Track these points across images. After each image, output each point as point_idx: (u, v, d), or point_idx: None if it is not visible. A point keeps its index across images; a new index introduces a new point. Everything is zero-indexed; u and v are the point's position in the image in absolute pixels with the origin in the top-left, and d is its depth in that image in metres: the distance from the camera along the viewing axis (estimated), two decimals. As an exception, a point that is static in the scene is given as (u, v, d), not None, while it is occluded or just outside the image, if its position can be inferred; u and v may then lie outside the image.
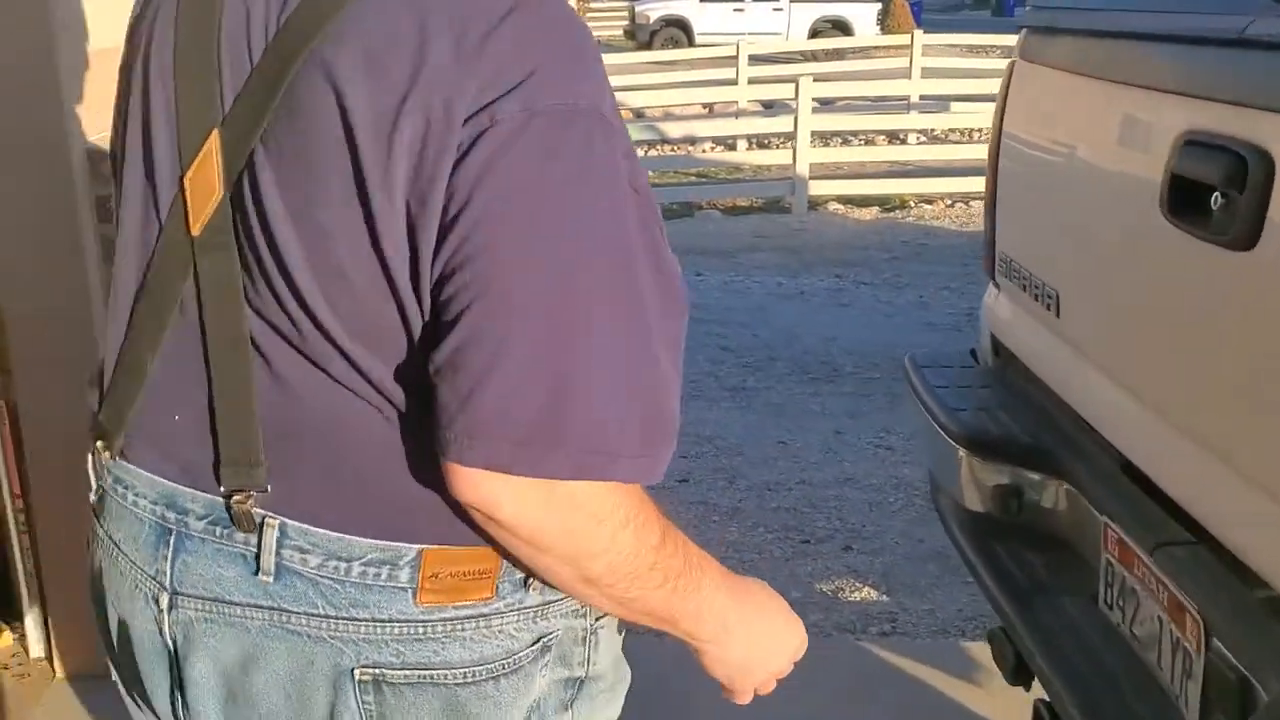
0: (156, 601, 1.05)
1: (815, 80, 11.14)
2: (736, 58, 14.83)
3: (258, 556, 1.01)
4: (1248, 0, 1.46)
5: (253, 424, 1.00)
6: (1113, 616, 1.68)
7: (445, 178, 0.90)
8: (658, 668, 1.48)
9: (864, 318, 6.70)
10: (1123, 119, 1.71)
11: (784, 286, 7.44)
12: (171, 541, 1.04)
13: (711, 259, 8.20)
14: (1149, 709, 1.54)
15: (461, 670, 1.01)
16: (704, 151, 11.95)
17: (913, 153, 11.86)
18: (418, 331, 0.95)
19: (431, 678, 1.01)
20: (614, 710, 1.17)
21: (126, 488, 1.08)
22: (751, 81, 14.37)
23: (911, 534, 3.79)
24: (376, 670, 1.01)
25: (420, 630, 1.00)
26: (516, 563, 1.00)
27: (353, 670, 1.00)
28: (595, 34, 1.12)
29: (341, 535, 0.99)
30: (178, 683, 1.07)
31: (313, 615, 1.00)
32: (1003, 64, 13.34)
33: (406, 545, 0.99)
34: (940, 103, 13.47)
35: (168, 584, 1.04)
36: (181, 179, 1.01)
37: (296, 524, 1.00)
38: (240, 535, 1.01)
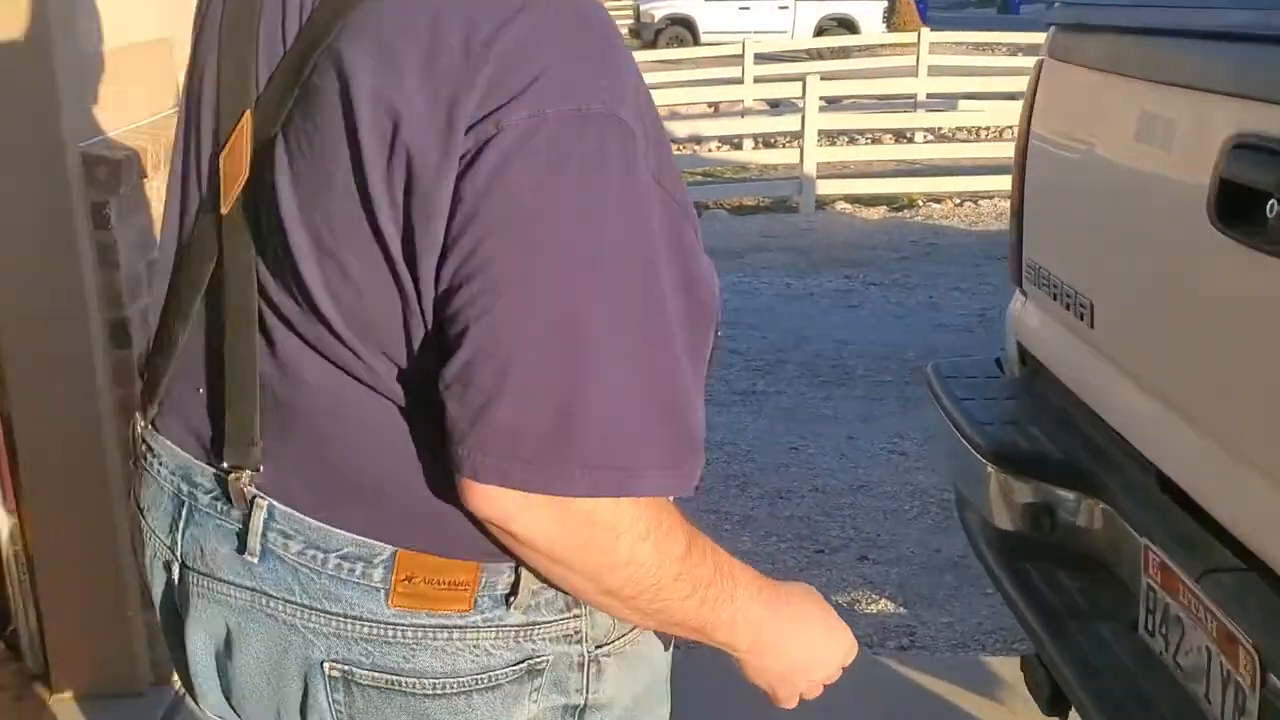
0: (168, 569, 1.09)
1: (822, 79, 11.05)
2: (742, 56, 14.74)
3: (246, 536, 1.01)
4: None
5: (252, 403, 1.00)
6: (1154, 644, 1.60)
7: (449, 182, 0.88)
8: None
9: (874, 319, 6.62)
10: (1165, 121, 1.62)
11: (792, 287, 7.36)
12: (184, 513, 1.06)
13: (719, 259, 7.99)
14: (1196, 744, 1.47)
15: (431, 680, 0.99)
16: (709, 151, 11.86)
17: (920, 151, 11.77)
18: (418, 334, 0.93)
19: (399, 684, 1.00)
20: None
21: (155, 456, 1.10)
22: (757, 80, 14.28)
23: (928, 543, 3.71)
24: (346, 667, 1.00)
25: (390, 633, 0.99)
26: (539, 577, 0.99)
27: (323, 664, 1.00)
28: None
29: (322, 525, 0.99)
30: (183, 648, 1.09)
31: (289, 602, 1.00)
32: (1010, 61, 13.26)
33: (382, 544, 0.98)
34: (947, 101, 13.37)
35: (177, 554, 1.07)
36: (215, 158, 1.02)
37: (283, 508, 1.00)
38: (235, 513, 1.02)
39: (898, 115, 12.73)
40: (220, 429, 1.03)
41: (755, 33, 19.32)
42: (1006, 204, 8.09)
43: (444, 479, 0.94)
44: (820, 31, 23.09)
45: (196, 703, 1.13)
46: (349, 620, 0.99)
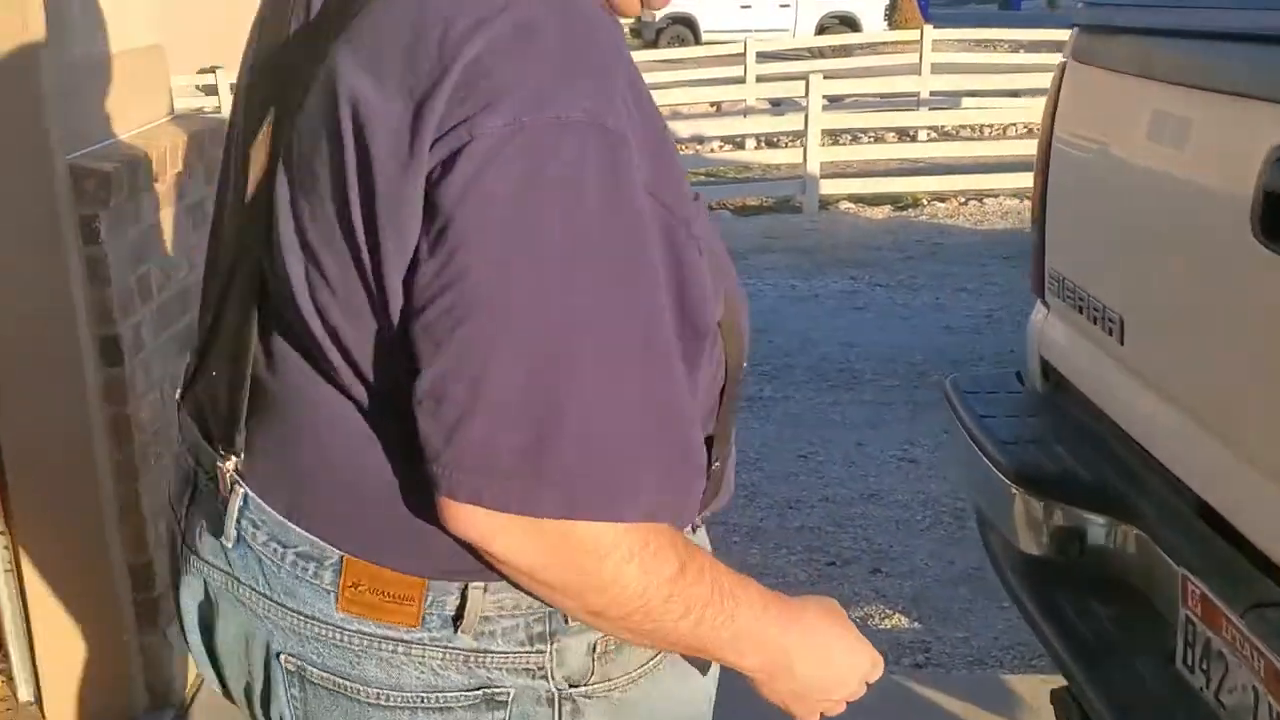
0: (173, 539, 1.14)
1: (825, 78, 10.97)
2: (744, 55, 14.66)
3: (224, 521, 1.03)
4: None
5: (241, 391, 1.02)
6: (1194, 680, 1.52)
7: (415, 189, 0.86)
8: None
9: (880, 321, 6.54)
10: (1201, 128, 1.54)
11: (797, 289, 7.29)
12: (190, 491, 1.09)
13: (722, 261, 8.02)
14: (1242, 788, 1.39)
15: (375, 690, 0.99)
16: (712, 151, 11.79)
17: (924, 150, 11.68)
18: (386, 342, 0.91)
19: (346, 688, 1.00)
20: None
21: (180, 432, 1.14)
22: (759, 79, 14.20)
23: (941, 555, 3.63)
24: (300, 663, 1.01)
25: (339, 636, 0.99)
26: (499, 604, 0.97)
27: (280, 655, 1.02)
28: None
29: (284, 520, 1.00)
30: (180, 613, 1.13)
31: (255, 590, 1.02)
32: (1013, 58, 13.19)
33: (332, 548, 0.98)
34: (951, 98, 13.29)
35: (180, 527, 1.11)
36: (247, 147, 1.02)
37: (255, 497, 1.01)
38: (221, 496, 1.04)
39: (901, 114, 12.65)
40: (219, 412, 1.05)
41: (757, 31, 19.24)
42: (1011, 202, 8.04)
43: (399, 490, 0.94)
44: (822, 29, 22.99)
45: (198, 666, 1.16)
46: (303, 618, 1.00)
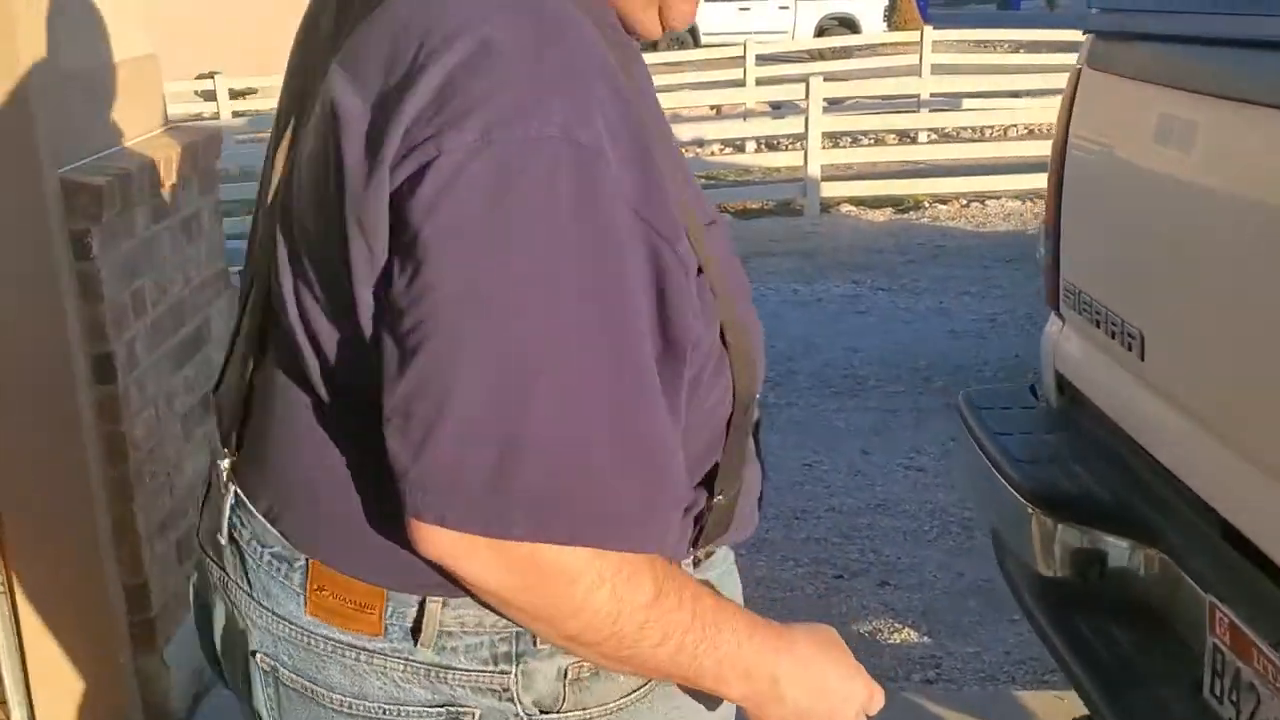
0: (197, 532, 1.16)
1: (826, 80, 10.92)
2: (744, 58, 14.60)
3: (220, 518, 1.06)
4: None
5: (239, 391, 1.05)
6: (1223, 711, 1.47)
7: (380, 202, 0.85)
8: None
9: (884, 325, 6.49)
10: (1231, 139, 1.49)
11: (800, 293, 7.24)
12: (206, 487, 1.12)
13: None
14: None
15: (339, 697, 0.99)
16: (711, 154, 11.74)
17: (925, 152, 11.63)
18: (359, 355, 0.91)
19: (313, 692, 1.00)
20: None
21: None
22: (759, 82, 14.14)
23: (950, 566, 3.58)
24: (273, 663, 1.02)
25: (307, 639, 0.99)
26: (462, 621, 0.96)
27: (257, 654, 1.02)
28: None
29: (262, 520, 1.01)
30: None
31: (239, 587, 1.04)
32: (1013, 59, 13.10)
33: (299, 551, 0.99)
34: (951, 100, 13.24)
35: (200, 520, 1.13)
36: (274, 159, 1.04)
37: (244, 496, 1.04)
38: (220, 493, 1.06)
39: (901, 116, 12.60)
40: (228, 411, 1.09)
41: (756, 33, 19.16)
42: (1013, 204, 7.97)
43: (361, 500, 0.94)
44: (821, 31, 22.94)
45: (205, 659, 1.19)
46: (276, 618, 1.01)
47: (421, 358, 0.84)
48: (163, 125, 2.92)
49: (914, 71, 14.16)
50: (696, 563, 1.08)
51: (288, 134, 1.02)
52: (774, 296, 7.09)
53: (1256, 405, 1.47)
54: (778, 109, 13.63)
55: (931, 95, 13.47)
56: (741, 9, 23.47)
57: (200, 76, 13.91)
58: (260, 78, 13.70)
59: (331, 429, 0.97)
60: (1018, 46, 17.74)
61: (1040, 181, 8.66)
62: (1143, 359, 1.71)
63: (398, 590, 0.96)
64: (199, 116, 12.81)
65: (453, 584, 0.91)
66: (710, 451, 1.04)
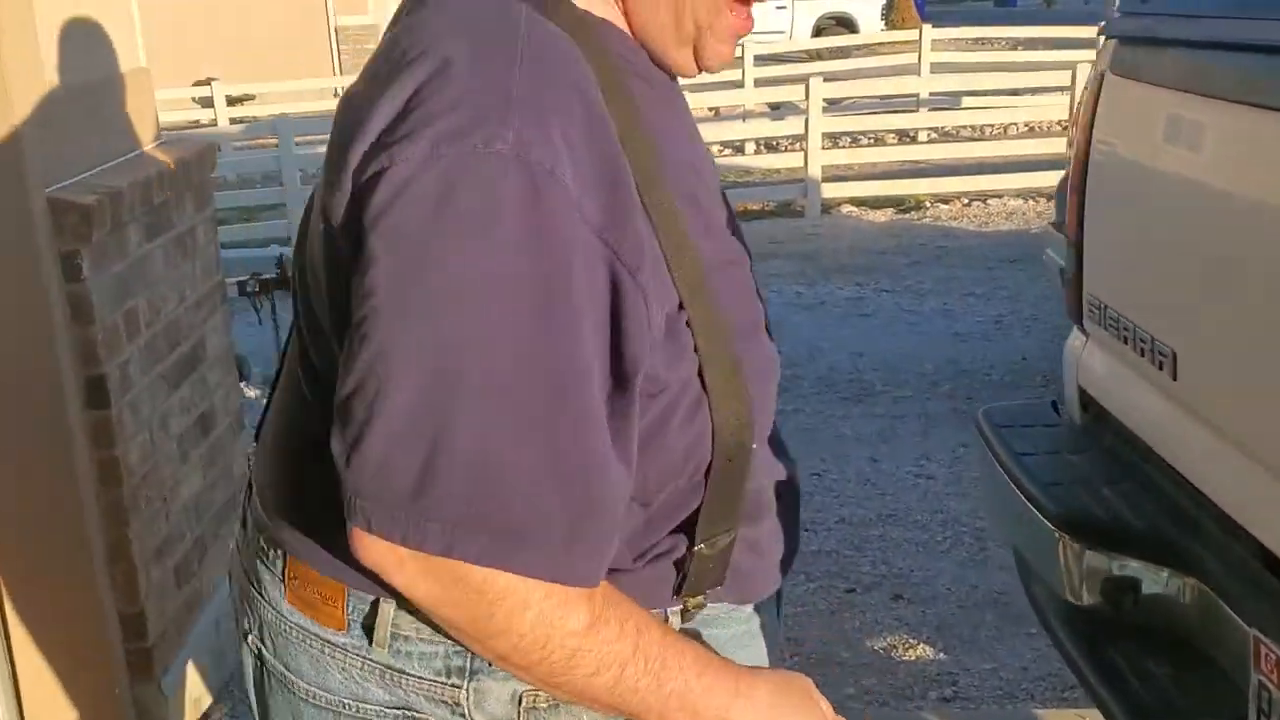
0: None
1: (825, 80, 10.85)
2: (742, 58, 14.53)
3: (244, 507, 1.12)
4: None
5: (273, 390, 1.10)
6: (1269, 750, 1.40)
7: (343, 207, 0.88)
8: None
9: (888, 328, 6.43)
10: (1268, 149, 1.42)
11: (803, 296, 7.18)
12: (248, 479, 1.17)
13: (725, 267, 7.89)
14: None
15: (306, 686, 1.01)
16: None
17: (925, 151, 11.57)
18: (328, 359, 0.94)
19: (286, 679, 1.03)
20: None
21: None
22: (758, 83, 14.06)
23: (964, 579, 3.51)
24: (259, 647, 1.06)
25: (284, 626, 1.02)
26: (410, 629, 0.97)
27: (248, 636, 1.07)
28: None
29: (259, 506, 1.06)
30: None
31: (243, 570, 1.09)
32: (1011, 56, 12.99)
33: (277, 542, 1.03)
34: (951, 99, 13.17)
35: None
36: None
37: (252, 481, 1.10)
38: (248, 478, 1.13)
39: (901, 115, 12.52)
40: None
41: (754, 33, 19.09)
42: (1015, 203, 7.88)
43: (323, 497, 0.92)
44: (819, 31, 22.86)
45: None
46: (264, 602, 1.04)
47: (361, 360, 0.85)
48: (155, 139, 2.85)
49: (912, 71, 14.09)
50: (685, 614, 1.04)
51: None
52: (777, 300, 7.02)
53: (1299, 429, 1.40)
54: (776, 110, 13.56)
55: (931, 94, 13.40)
56: (739, 9, 23.33)
57: (197, 83, 13.85)
58: (257, 84, 13.64)
59: (307, 424, 1.00)
60: (1015, 44, 17.65)
61: (1042, 180, 8.58)
62: (1175, 378, 1.64)
63: (354, 587, 0.97)
64: (196, 123, 12.75)
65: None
66: (689, 497, 0.99)
